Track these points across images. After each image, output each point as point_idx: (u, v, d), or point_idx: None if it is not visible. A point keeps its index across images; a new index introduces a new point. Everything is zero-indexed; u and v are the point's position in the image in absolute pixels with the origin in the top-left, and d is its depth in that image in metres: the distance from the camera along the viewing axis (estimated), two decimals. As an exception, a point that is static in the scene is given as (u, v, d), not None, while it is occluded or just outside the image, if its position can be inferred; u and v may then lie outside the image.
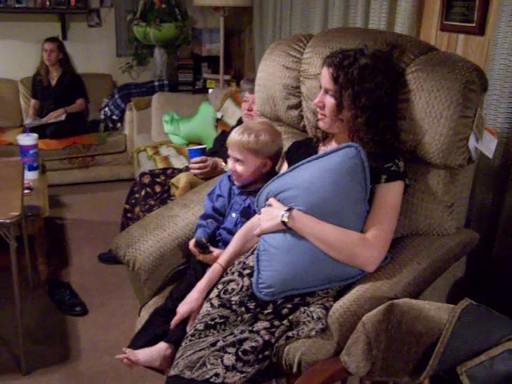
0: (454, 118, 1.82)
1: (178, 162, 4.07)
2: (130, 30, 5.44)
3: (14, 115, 5.28)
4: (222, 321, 1.77)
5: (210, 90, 5.15)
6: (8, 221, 2.39)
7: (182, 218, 2.32)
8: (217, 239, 2.21)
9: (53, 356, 2.77)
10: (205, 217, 2.27)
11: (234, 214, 2.20)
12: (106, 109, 5.32)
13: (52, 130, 4.80)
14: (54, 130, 4.81)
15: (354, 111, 1.84)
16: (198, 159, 2.93)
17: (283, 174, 1.92)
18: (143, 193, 3.30)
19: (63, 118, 4.84)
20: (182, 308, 1.94)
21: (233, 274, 1.88)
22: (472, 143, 1.90)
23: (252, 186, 2.22)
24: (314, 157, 1.88)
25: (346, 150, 1.80)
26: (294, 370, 1.60)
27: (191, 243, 2.16)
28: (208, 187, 2.45)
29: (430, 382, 1.49)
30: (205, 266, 2.09)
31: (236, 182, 2.25)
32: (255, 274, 1.81)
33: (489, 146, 1.98)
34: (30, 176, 3.59)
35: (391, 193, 1.82)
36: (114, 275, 3.44)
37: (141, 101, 5.12)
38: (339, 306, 1.71)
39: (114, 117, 5.31)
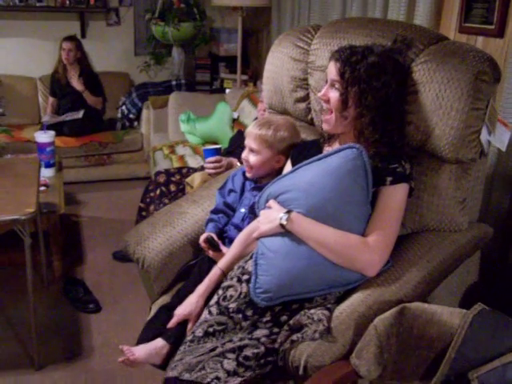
0: (465, 111, 1.77)
1: (193, 162, 4.07)
2: (149, 29, 5.46)
3: (33, 113, 5.32)
4: (220, 328, 1.76)
5: (227, 90, 5.15)
6: (23, 217, 2.40)
7: (192, 214, 2.31)
8: (224, 235, 2.21)
9: (65, 352, 2.78)
10: (216, 211, 2.27)
11: (242, 210, 2.20)
12: (123, 107, 5.34)
13: (69, 128, 4.83)
14: (72, 127, 4.84)
15: (360, 109, 1.80)
16: (212, 159, 2.93)
17: (284, 176, 1.90)
18: (158, 192, 3.31)
19: (80, 115, 4.86)
20: (180, 311, 1.94)
21: (232, 279, 1.86)
22: (484, 136, 1.85)
23: (264, 182, 2.20)
24: (315, 158, 1.84)
25: (347, 151, 1.76)
26: (301, 372, 1.59)
27: (202, 239, 2.16)
28: (218, 183, 2.45)
29: (441, 387, 1.48)
30: (211, 265, 2.08)
31: (247, 174, 2.25)
32: (253, 278, 1.78)
33: (502, 138, 1.93)
34: (47, 173, 3.61)
35: (395, 196, 1.77)
36: (128, 273, 3.45)
37: (158, 100, 5.13)
38: (346, 306, 1.69)
39: (131, 115, 5.33)
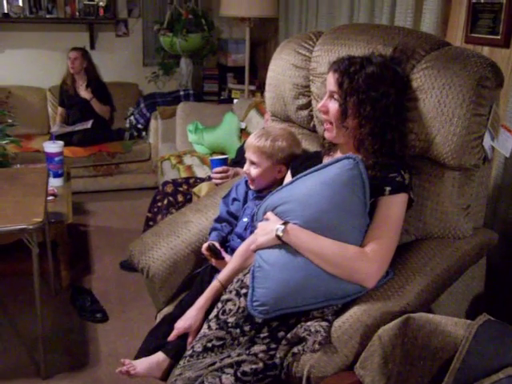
0: (467, 117, 1.76)
1: (201, 172, 4.08)
2: (157, 40, 5.50)
3: (42, 123, 5.36)
4: (219, 343, 1.75)
5: (235, 100, 5.17)
6: (31, 227, 2.42)
7: (196, 223, 2.32)
8: (226, 244, 2.21)
9: (72, 361, 2.79)
10: (219, 220, 2.28)
11: (245, 219, 2.20)
12: (132, 117, 5.37)
13: (78, 138, 4.86)
14: (80, 137, 4.87)
15: (359, 120, 1.80)
16: (219, 169, 2.94)
17: (282, 188, 1.88)
18: (166, 202, 3.32)
19: (89, 125, 4.90)
20: (180, 324, 1.94)
21: (231, 292, 1.85)
22: (487, 142, 1.84)
23: (266, 192, 2.20)
24: (312, 169, 1.83)
25: (344, 161, 1.74)
26: (304, 382, 1.59)
27: (204, 247, 2.16)
28: (222, 191, 2.45)
29: (445, 398, 1.47)
30: (213, 275, 2.09)
31: (251, 186, 2.25)
32: (250, 291, 1.76)
33: (505, 144, 1.92)
34: (55, 183, 3.64)
35: (394, 206, 1.75)
36: (135, 283, 3.46)
37: (166, 110, 5.16)
38: (349, 315, 1.68)
39: (140, 125, 5.35)
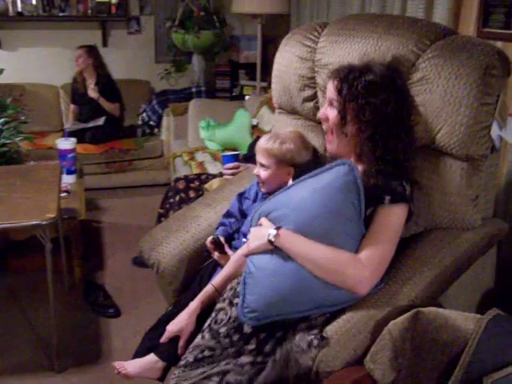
0: (474, 106, 1.74)
1: (213, 168, 4.09)
2: (169, 37, 5.51)
3: (55, 120, 5.41)
4: (209, 354, 1.75)
5: (247, 97, 5.18)
6: (44, 222, 2.44)
7: (205, 218, 2.33)
8: (232, 242, 2.22)
9: (85, 356, 2.82)
10: (228, 215, 2.28)
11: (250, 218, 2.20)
12: (144, 114, 5.39)
13: (91, 135, 4.90)
14: (93, 134, 4.91)
15: (358, 125, 1.79)
16: (230, 165, 2.95)
17: (278, 194, 1.87)
18: (177, 198, 3.33)
19: (101, 122, 4.93)
20: (171, 327, 1.95)
21: (224, 301, 1.83)
22: (495, 131, 1.82)
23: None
24: (308, 175, 1.81)
25: (339, 167, 1.73)
26: (312, 376, 1.59)
27: (209, 240, 2.17)
28: (231, 185, 2.46)
29: (455, 392, 1.47)
30: (212, 273, 2.10)
31: (262, 189, 2.25)
32: (240, 297, 1.75)
33: None
34: (68, 179, 3.66)
35: (393, 215, 1.72)
36: (147, 278, 3.47)
37: (178, 107, 5.18)
38: (357, 310, 1.68)
39: (152, 122, 5.38)
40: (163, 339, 1.95)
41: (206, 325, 1.82)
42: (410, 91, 1.87)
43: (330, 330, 1.67)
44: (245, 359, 1.70)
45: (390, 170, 1.77)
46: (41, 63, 5.45)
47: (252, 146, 3.67)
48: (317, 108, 2.32)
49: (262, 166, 2.20)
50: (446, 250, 1.83)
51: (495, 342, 1.43)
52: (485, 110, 1.77)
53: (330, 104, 1.87)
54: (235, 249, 2.14)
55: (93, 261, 3.75)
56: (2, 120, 3.47)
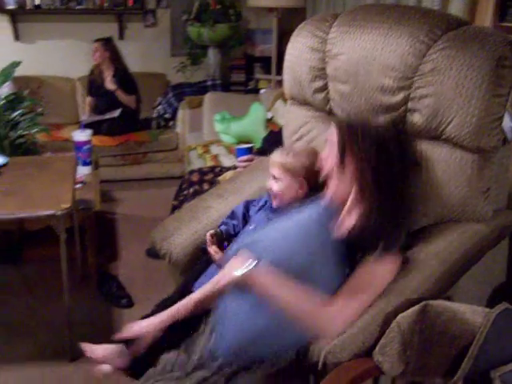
0: (485, 98, 1.73)
1: (227, 161, 4.10)
2: (185, 31, 5.53)
3: (71, 112, 5.45)
4: (178, 372, 1.75)
5: (262, 91, 5.18)
6: (58, 213, 2.47)
7: (216, 209, 2.33)
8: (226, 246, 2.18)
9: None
10: (232, 217, 2.26)
11: (252, 226, 2.15)
12: (160, 107, 5.42)
13: (106, 127, 4.93)
14: (109, 127, 4.93)
15: (359, 165, 1.76)
16: (244, 158, 2.97)
17: (259, 229, 1.85)
18: (191, 190, 3.35)
19: (117, 114, 4.96)
20: (134, 328, 1.89)
21: (207, 325, 1.80)
22: (507, 123, 1.81)
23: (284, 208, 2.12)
24: (293, 210, 1.81)
25: (319, 203, 1.71)
26: (320, 367, 1.60)
27: (209, 232, 2.16)
28: (243, 176, 2.46)
29: (463, 384, 1.48)
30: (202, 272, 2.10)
31: (273, 203, 2.18)
32: (207, 335, 1.74)
33: None
34: (83, 171, 3.69)
35: (382, 268, 1.67)
36: (160, 270, 3.49)
37: (193, 100, 5.20)
38: None
39: (167, 115, 5.40)
40: (123, 336, 1.90)
41: (184, 346, 1.80)
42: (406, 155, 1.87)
43: None
44: (200, 375, 1.70)
45: (383, 221, 1.72)
46: (58, 56, 5.49)
47: (266, 140, 3.67)
48: (328, 99, 2.32)
49: (275, 178, 2.15)
50: (456, 243, 1.83)
51: (503, 336, 1.43)
52: (497, 101, 1.75)
53: (331, 146, 1.85)
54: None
55: (107, 252, 3.79)
56: (19, 112, 3.51)
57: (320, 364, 1.60)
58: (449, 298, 1.69)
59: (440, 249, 1.81)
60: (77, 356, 2.73)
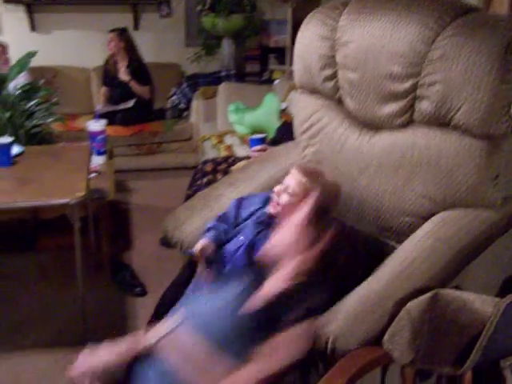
0: (495, 84, 1.73)
1: (241, 151, 4.12)
2: (200, 21, 5.52)
3: (86, 102, 5.47)
4: None
5: (276, 81, 5.17)
6: (73, 201, 2.49)
7: (228, 197, 2.34)
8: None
9: (112, 333, 2.85)
10: (222, 220, 2.17)
11: (241, 237, 2.07)
12: (174, 97, 5.43)
13: (121, 117, 4.96)
14: (123, 117, 4.96)
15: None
16: (258, 148, 2.97)
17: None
18: (205, 180, 3.37)
19: (131, 104, 4.98)
20: (87, 360, 1.75)
21: None
22: None
23: (274, 221, 2.03)
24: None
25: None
26: (328, 352, 1.61)
27: (199, 245, 2.07)
28: (254, 165, 2.47)
29: (472, 373, 1.48)
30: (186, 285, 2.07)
31: (271, 208, 2.06)
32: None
33: None
34: (98, 160, 3.72)
35: (291, 338, 1.61)
36: (174, 259, 3.50)
37: (208, 90, 5.21)
38: (372, 288, 1.69)
39: (182, 105, 5.42)
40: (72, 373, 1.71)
41: None
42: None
43: (348, 305, 1.68)
44: None
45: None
46: (73, 46, 5.52)
47: (279, 130, 3.68)
48: (337, 88, 2.32)
49: (287, 189, 2.03)
50: (465, 229, 1.83)
51: (513, 325, 1.44)
52: (506, 87, 1.75)
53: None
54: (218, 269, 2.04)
55: (121, 241, 3.82)
56: (35, 101, 3.53)
57: (328, 350, 1.61)
58: (458, 287, 1.69)
59: (448, 235, 1.81)
60: (91, 344, 2.76)
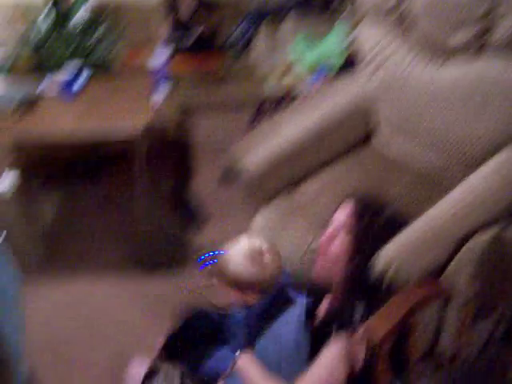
0: None
1: (304, 86, 4.04)
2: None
3: (151, 35, 5.43)
4: None
5: (344, 13, 4.99)
6: (136, 132, 2.52)
7: (295, 123, 2.33)
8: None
9: (168, 259, 3.01)
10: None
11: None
12: (238, 31, 5.34)
13: (186, 46, 4.96)
14: (188, 46, 4.97)
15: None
16: (319, 82, 2.91)
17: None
18: (267, 114, 3.35)
19: (197, 32, 4.98)
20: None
21: None
22: None
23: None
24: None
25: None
26: (386, 281, 1.53)
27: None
28: (317, 98, 2.44)
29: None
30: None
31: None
32: None
33: None
34: (160, 94, 3.70)
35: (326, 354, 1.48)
36: (233, 195, 3.50)
37: (273, 23, 5.09)
38: (434, 221, 1.61)
39: (245, 39, 5.32)
40: None
41: None
42: None
43: (409, 236, 1.61)
44: None
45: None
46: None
47: (343, 66, 3.59)
48: (408, 12, 2.20)
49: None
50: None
51: None
52: None
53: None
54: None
55: (180, 176, 3.83)
56: (99, 34, 3.54)
57: (387, 279, 1.52)
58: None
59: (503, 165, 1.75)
60: (147, 268, 2.85)
